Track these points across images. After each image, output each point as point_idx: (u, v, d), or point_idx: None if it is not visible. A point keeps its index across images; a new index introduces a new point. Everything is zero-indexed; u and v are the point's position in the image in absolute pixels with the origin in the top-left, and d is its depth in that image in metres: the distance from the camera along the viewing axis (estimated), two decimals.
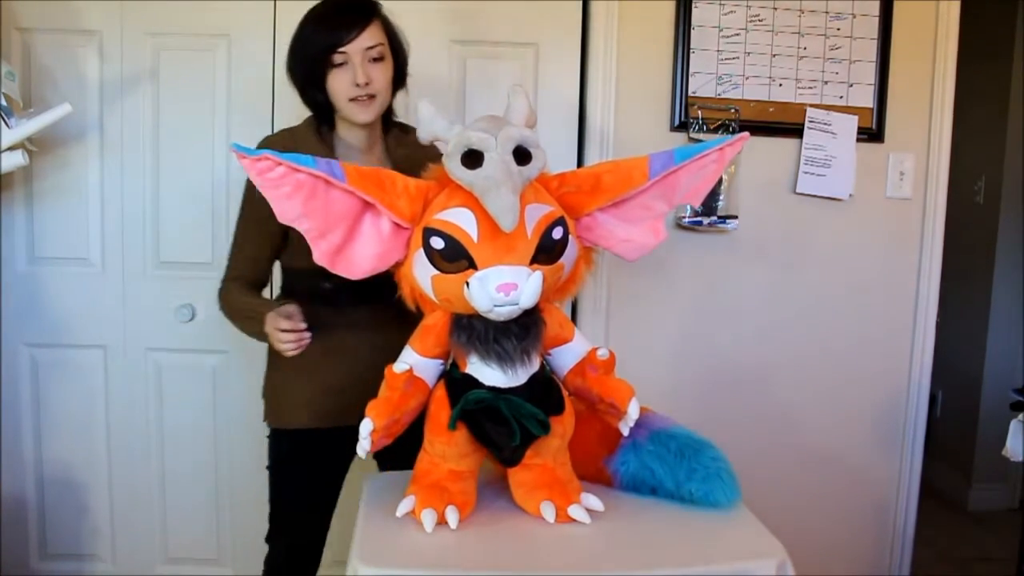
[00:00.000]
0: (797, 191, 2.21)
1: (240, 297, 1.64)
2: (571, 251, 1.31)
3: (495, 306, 1.22)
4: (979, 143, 3.21)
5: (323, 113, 1.63)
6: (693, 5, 2.13)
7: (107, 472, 2.18)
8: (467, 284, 1.22)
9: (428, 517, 1.26)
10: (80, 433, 2.16)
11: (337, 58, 1.54)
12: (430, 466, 1.33)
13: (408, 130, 1.70)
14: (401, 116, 1.74)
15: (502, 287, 1.20)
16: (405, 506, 1.30)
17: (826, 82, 2.20)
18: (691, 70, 2.15)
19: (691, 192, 1.39)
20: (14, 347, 2.12)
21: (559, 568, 1.21)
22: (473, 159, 1.22)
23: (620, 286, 2.20)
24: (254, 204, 1.57)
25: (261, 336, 1.56)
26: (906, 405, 2.32)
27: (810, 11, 2.17)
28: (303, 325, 1.49)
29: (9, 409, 2.13)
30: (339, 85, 1.56)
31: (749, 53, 2.16)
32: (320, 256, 1.29)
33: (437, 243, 1.25)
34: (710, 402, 2.23)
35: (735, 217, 2.16)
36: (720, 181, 2.11)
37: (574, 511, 1.31)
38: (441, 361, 1.36)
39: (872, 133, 2.22)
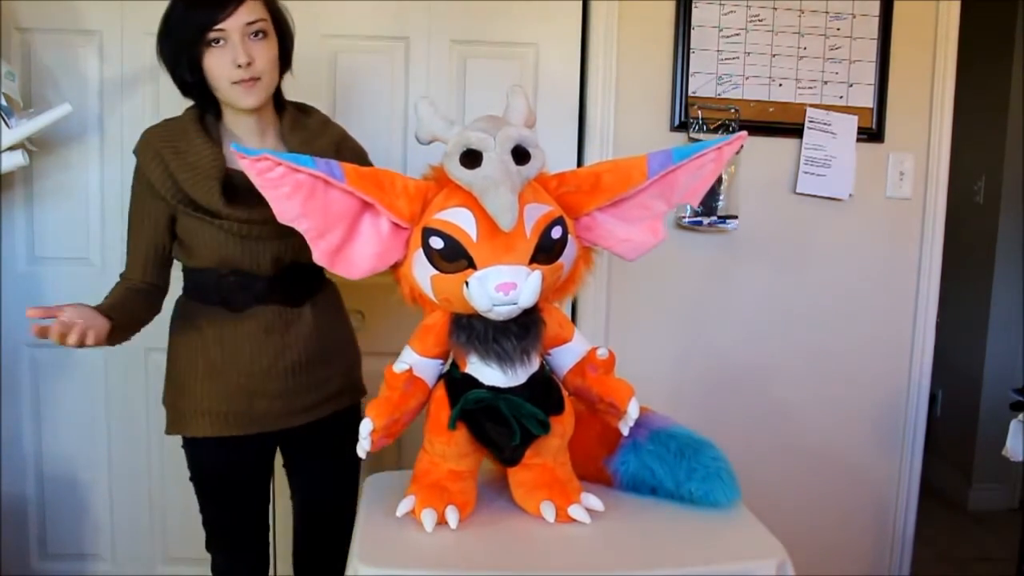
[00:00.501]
0: (797, 191, 2.21)
1: (108, 294, 1.54)
2: (570, 251, 1.31)
3: (494, 306, 1.22)
4: (979, 143, 3.21)
5: (203, 100, 1.52)
6: (693, 5, 2.13)
7: (107, 472, 2.18)
8: (466, 284, 1.22)
9: (428, 517, 1.26)
10: (80, 433, 2.16)
11: (213, 35, 1.42)
12: (430, 466, 1.33)
13: (308, 111, 1.63)
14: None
15: (501, 286, 1.20)
16: (405, 506, 1.30)
17: (826, 82, 2.20)
18: (691, 70, 2.15)
19: (690, 191, 1.39)
20: (14, 347, 2.12)
21: (559, 568, 1.21)
22: (472, 159, 1.22)
23: (620, 286, 2.20)
24: (140, 195, 1.53)
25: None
26: (906, 405, 2.32)
27: (810, 11, 2.17)
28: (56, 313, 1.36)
29: (9, 409, 2.13)
30: (218, 66, 1.44)
31: (749, 53, 2.16)
32: (319, 256, 1.29)
33: (436, 243, 1.25)
34: (710, 402, 2.23)
35: (735, 217, 2.16)
36: (720, 181, 2.11)
37: (574, 511, 1.31)
38: (441, 361, 1.36)
39: (872, 133, 2.22)
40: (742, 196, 2.16)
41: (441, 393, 1.31)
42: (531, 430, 1.28)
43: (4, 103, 1.81)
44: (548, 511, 1.31)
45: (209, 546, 1.69)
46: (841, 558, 2.34)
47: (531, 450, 1.32)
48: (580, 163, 2.18)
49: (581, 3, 2.14)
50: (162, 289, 1.60)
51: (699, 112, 2.14)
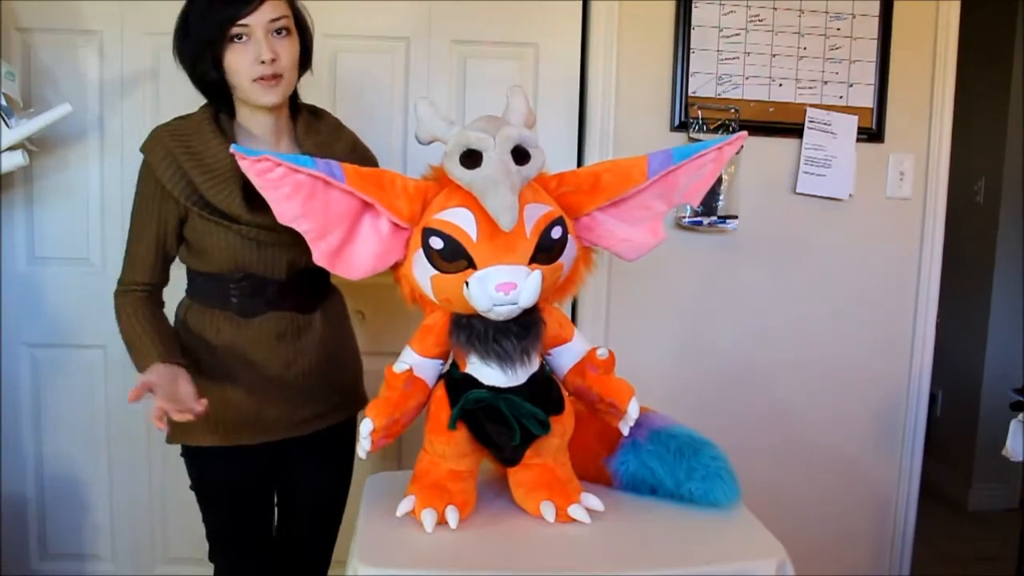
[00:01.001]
0: (797, 191, 2.21)
1: (133, 321, 1.47)
2: (570, 251, 1.31)
3: (494, 305, 1.22)
4: (979, 143, 3.21)
5: (219, 98, 1.47)
6: (693, 5, 2.13)
7: (107, 472, 2.18)
8: (466, 284, 1.22)
9: (428, 517, 1.26)
10: (80, 433, 2.16)
11: (236, 30, 1.39)
12: (430, 466, 1.33)
13: (319, 114, 1.60)
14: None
15: (501, 286, 1.20)
16: (405, 506, 1.30)
17: (826, 82, 2.20)
18: (691, 70, 2.15)
19: (690, 191, 1.39)
20: (14, 347, 2.12)
21: (559, 568, 1.21)
22: (472, 159, 1.23)
23: (620, 286, 2.20)
24: (148, 195, 1.47)
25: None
26: (906, 405, 2.32)
27: (810, 11, 2.17)
28: (197, 408, 1.33)
29: (9, 409, 2.13)
30: (240, 63, 1.41)
31: (749, 53, 2.16)
32: (319, 257, 1.29)
33: (436, 243, 1.25)
34: (709, 401, 2.23)
35: (735, 217, 2.16)
36: (720, 181, 2.11)
37: (574, 511, 1.31)
38: (441, 361, 1.36)
39: (872, 133, 2.22)
40: (742, 196, 2.16)
41: (441, 393, 1.31)
42: (531, 430, 1.28)
43: (4, 103, 1.81)
44: (548, 511, 1.31)
45: (213, 556, 1.65)
46: (841, 558, 2.34)
47: (531, 450, 1.32)
48: (580, 163, 2.18)
49: (581, 3, 2.14)
50: (165, 285, 1.56)
51: (699, 112, 2.14)
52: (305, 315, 1.56)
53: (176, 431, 1.53)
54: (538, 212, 1.26)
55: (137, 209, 1.50)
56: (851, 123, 2.19)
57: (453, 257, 1.24)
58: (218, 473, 1.57)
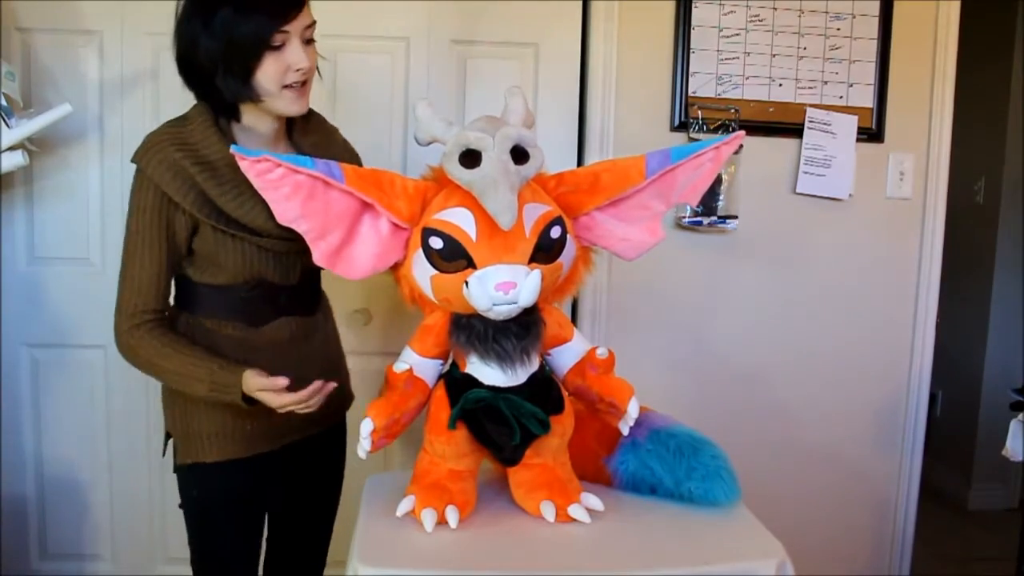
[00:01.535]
0: (797, 191, 2.21)
1: (170, 352, 1.37)
2: (569, 250, 1.31)
3: (494, 305, 1.22)
4: (979, 143, 3.21)
5: (219, 101, 1.39)
6: (693, 5, 2.13)
7: (107, 472, 2.18)
8: (466, 283, 1.22)
9: (428, 517, 1.26)
10: (80, 433, 2.16)
11: (278, 39, 1.32)
12: (430, 466, 1.33)
13: (311, 114, 1.53)
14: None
15: (501, 286, 1.20)
16: (405, 506, 1.30)
17: (826, 82, 2.20)
18: (691, 70, 2.15)
19: (688, 191, 1.39)
20: (14, 347, 2.12)
21: (559, 568, 1.21)
22: (471, 159, 1.23)
23: (620, 286, 2.20)
24: (151, 209, 1.36)
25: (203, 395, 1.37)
26: (906, 404, 2.32)
27: (810, 11, 2.17)
28: (310, 388, 1.31)
29: (9, 409, 2.13)
30: (275, 71, 1.34)
31: (749, 53, 2.16)
32: (319, 257, 1.29)
33: (436, 243, 1.25)
34: (709, 401, 2.23)
35: (735, 217, 2.16)
36: (720, 181, 2.11)
37: (574, 511, 1.31)
38: (441, 361, 1.36)
39: (872, 133, 2.22)
40: (742, 196, 2.16)
41: (441, 393, 1.31)
42: (531, 430, 1.28)
43: (4, 103, 1.81)
44: (548, 511, 1.31)
45: None
46: (841, 558, 2.34)
47: (531, 450, 1.32)
48: (580, 163, 2.18)
49: (581, 3, 2.14)
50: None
51: (699, 112, 2.14)
52: (311, 317, 1.54)
53: (185, 450, 1.47)
54: (537, 212, 1.26)
55: (137, 227, 1.37)
56: (851, 123, 2.19)
57: (453, 257, 1.24)
58: (228, 488, 1.49)
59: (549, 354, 1.39)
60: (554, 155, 2.05)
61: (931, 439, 2.50)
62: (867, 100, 2.21)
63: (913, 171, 2.25)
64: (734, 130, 2.10)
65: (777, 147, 2.19)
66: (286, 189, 1.23)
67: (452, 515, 1.27)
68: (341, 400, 1.63)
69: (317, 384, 1.32)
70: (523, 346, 1.27)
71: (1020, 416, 2.10)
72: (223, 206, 1.35)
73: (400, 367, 1.30)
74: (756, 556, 1.24)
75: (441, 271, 1.25)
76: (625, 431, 1.36)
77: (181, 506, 1.54)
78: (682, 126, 2.15)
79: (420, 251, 1.27)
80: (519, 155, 1.24)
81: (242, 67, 1.33)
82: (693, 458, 1.37)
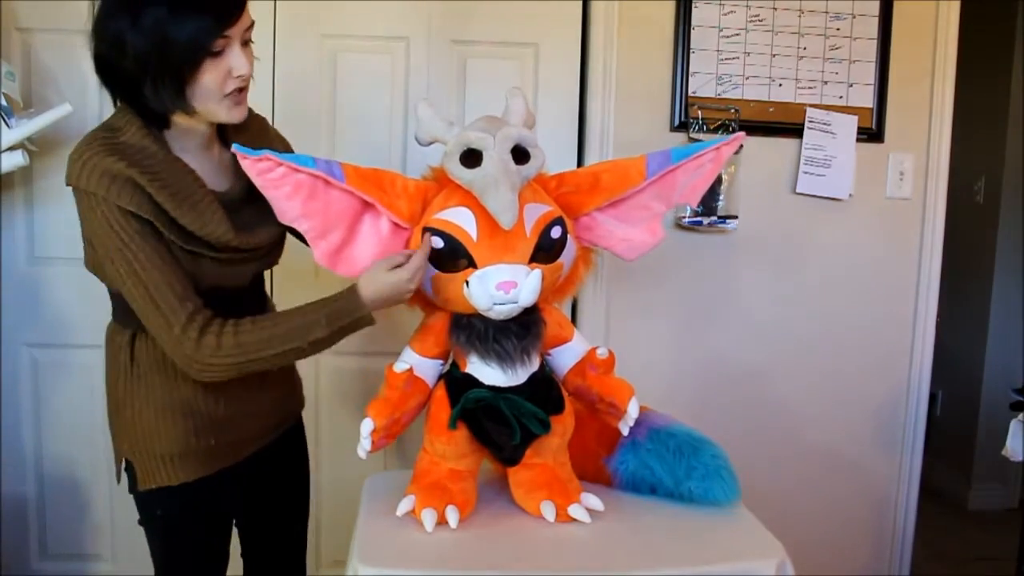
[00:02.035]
0: (797, 191, 2.21)
1: (265, 321, 1.25)
2: (569, 250, 1.32)
3: (495, 304, 1.22)
4: (979, 143, 3.21)
5: (153, 115, 1.24)
6: (693, 5, 2.13)
7: (107, 472, 2.18)
8: (467, 283, 1.22)
9: (428, 517, 1.26)
10: (80, 433, 2.16)
11: (220, 43, 1.18)
12: (430, 466, 1.34)
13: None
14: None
15: (502, 285, 1.20)
16: (405, 506, 1.30)
17: (826, 82, 2.20)
18: (691, 70, 2.15)
19: (688, 191, 1.39)
20: (14, 347, 2.12)
21: (559, 568, 1.21)
22: (472, 159, 1.23)
23: (620, 286, 2.20)
24: (127, 224, 1.21)
25: (324, 343, 1.26)
26: (906, 404, 2.32)
27: (810, 11, 2.17)
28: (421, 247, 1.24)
29: (9, 409, 2.13)
30: (214, 79, 1.20)
31: (749, 53, 2.16)
32: (320, 256, 1.29)
33: (437, 242, 1.25)
34: (709, 401, 2.23)
35: (735, 217, 2.16)
36: (720, 181, 2.11)
37: (574, 511, 1.31)
38: (441, 361, 1.36)
39: (872, 133, 2.22)
40: (742, 196, 2.16)
41: (441, 393, 1.31)
42: (531, 429, 1.28)
43: (4, 103, 1.81)
44: (548, 511, 1.31)
45: None
46: (841, 558, 2.34)
47: (531, 450, 1.32)
48: (580, 163, 2.18)
49: (581, 3, 2.14)
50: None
51: (699, 112, 2.14)
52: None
53: (146, 474, 1.35)
54: (538, 212, 1.26)
55: (124, 244, 1.21)
56: (851, 123, 2.19)
57: (453, 256, 1.24)
58: (195, 506, 1.39)
59: (549, 354, 1.39)
60: (554, 155, 2.05)
61: (931, 439, 2.50)
62: (867, 100, 2.21)
63: (913, 171, 2.25)
64: (734, 130, 2.10)
65: (777, 147, 2.19)
66: (287, 188, 1.23)
67: (452, 515, 1.27)
68: (296, 403, 1.59)
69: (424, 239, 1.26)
70: (523, 346, 1.27)
71: (1020, 416, 2.10)
72: (186, 224, 1.23)
73: (400, 367, 1.30)
74: (756, 556, 1.24)
75: (442, 270, 1.26)
76: (625, 431, 1.37)
77: (141, 523, 1.44)
78: (682, 126, 2.15)
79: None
80: (520, 155, 1.24)
81: (176, 76, 1.17)
82: (693, 458, 1.38)
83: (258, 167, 1.21)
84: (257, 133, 1.42)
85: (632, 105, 2.15)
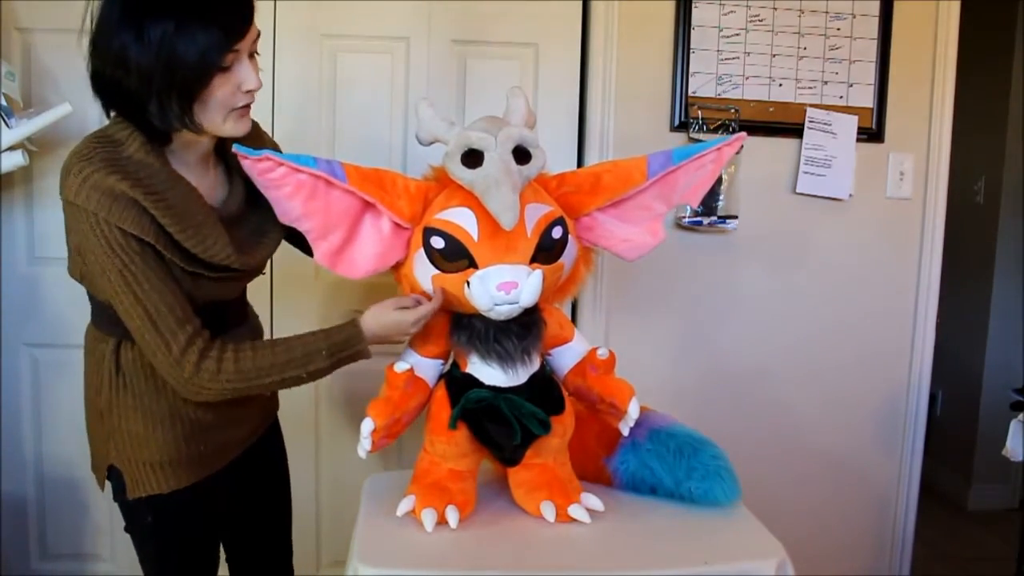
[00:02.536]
0: (797, 191, 2.21)
1: (265, 347, 1.25)
2: (570, 251, 1.31)
3: (495, 305, 1.22)
4: (979, 143, 3.21)
5: (157, 131, 1.19)
6: (693, 5, 2.13)
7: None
8: (467, 283, 1.22)
9: (428, 517, 1.26)
10: (80, 433, 2.13)
11: (230, 58, 1.15)
12: (430, 466, 1.34)
13: None
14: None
15: (503, 285, 1.20)
16: (405, 506, 1.30)
17: (826, 82, 2.20)
18: (691, 70, 2.15)
19: (689, 192, 1.39)
20: (14, 347, 2.12)
21: (559, 568, 1.21)
22: (473, 159, 1.23)
23: (620, 286, 2.20)
24: (126, 244, 1.16)
25: (321, 372, 1.26)
26: (906, 405, 2.32)
27: (810, 11, 2.17)
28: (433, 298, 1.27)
29: (9, 409, 2.13)
30: (224, 94, 1.16)
31: (749, 53, 2.16)
32: (321, 257, 1.29)
33: (437, 243, 1.25)
34: (709, 401, 2.23)
35: (735, 217, 2.16)
36: (720, 181, 2.11)
37: (574, 511, 1.31)
38: (441, 361, 1.37)
39: (872, 133, 2.22)
40: (742, 196, 2.16)
41: (442, 393, 1.31)
42: (532, 430, 1.28)
43: (4, 103, 1.80)
44: (548, 511, 1.31)
45: None
46: (841, 558, 2.34)
47: (531, 450, 1.32)
48: (580, 163, 2.18)
49: (581, 3, 2.14)
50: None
51: (699, 112, 2.14)
52: (244, 325, 1.44)
53: (135, 483, 1.32)
54: (539, 212, 1.26)
55: (123, 265, 1.17)
56: (851, 123, 2.19)
57: (454, 256, 1.24)
58: (185, 513, 1.37)
59: (550, 354, 1.39)
60: (554, 155, 2.04)
61: (931, 439, 2.50)
62: (867, 100, 2.21)
63: (913, 171, 2.25)
64: (734, 130, 2.10)
65: (777, 147, 2.19)
66: (288, 188, 1.23)
67: (452, 515, 1.27)
68: (274, 404, 1.58)
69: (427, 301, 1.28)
70: (524, 346, 1.27)
71: (1020, 416, 2.10)
72: (189, 247, 1.20)
73: (401, 367, 1.30)
74: (756, 556, 1.24)
75: (442, 271, 1.26)
76: (625, 432, 1.37)
77: (128, 531, 1.42)
78: (682, 126, 2.15)
79: (421, 251, 1.27)
80: (521, 155, 1.24)
81: (183, 93, 1.13)
82: (693, 458, 1.38)
83: (259, 167, 1.21)
84: (252, 139, 1.38)
85: (632, 105, 2.15)
